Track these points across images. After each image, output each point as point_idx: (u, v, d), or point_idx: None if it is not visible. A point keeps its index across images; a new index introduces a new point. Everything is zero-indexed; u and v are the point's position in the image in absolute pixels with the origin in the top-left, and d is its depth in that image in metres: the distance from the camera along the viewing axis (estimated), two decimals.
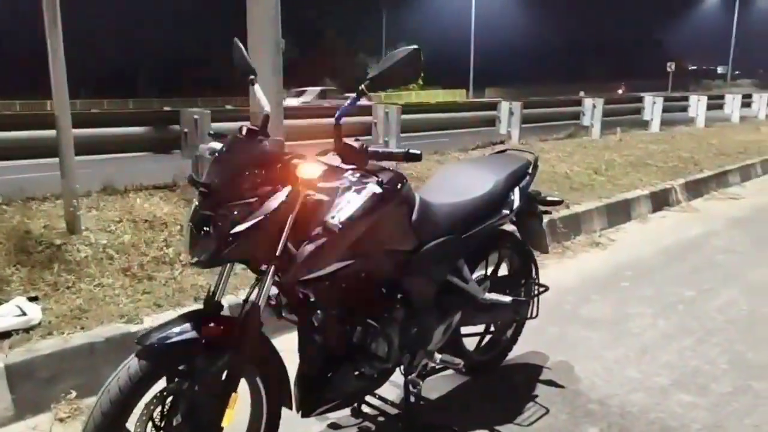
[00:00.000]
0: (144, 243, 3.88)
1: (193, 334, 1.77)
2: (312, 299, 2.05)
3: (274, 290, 2.03)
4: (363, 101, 2.00)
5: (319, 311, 2.07)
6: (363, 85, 1.86)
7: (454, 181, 2.61)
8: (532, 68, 62.01)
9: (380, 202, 1.98)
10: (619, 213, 6.12)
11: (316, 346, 2.08)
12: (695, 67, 79.33)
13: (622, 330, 3.54)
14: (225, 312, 1.94)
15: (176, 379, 1.81)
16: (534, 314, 2.92)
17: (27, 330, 2.79)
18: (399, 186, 2.08)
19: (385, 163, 2.09)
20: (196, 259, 1.78)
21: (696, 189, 7.47)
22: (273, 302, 2.08)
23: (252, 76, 2.06)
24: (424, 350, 2.39)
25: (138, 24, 45.19)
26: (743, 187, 8.34)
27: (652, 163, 8.20)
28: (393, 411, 2.52)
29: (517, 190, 2.64)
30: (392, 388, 2.62)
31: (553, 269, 4.49)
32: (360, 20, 53.79)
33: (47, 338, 2.76)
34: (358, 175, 1.98)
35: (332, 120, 1.91)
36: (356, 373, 2.17)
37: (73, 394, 2.64)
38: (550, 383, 2.91)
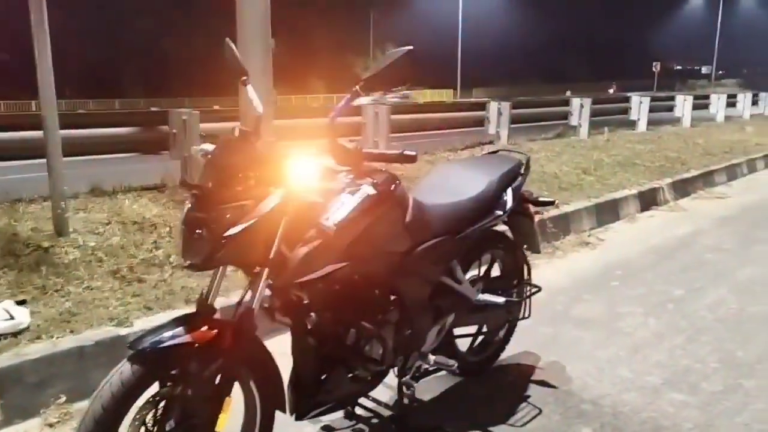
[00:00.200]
0: (133, 245, 3.85)
1: (186, 337, 1.75)
2: (305, 301, 2.03)
3: (267, 292, 2.01)
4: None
5: (312, 313, 2.06)
6: (357, 86, 1.85)
7: (447, 182, 2.60)
8: (519, 68, 62.31)
9: (374, 204, 1.97)
10: (607, 212, 6.15)
11: (310, 349, 2.07)
12: (680, 67, 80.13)
13: (613, 329, 3.56)
14: (217, 315, 1.92)
15: (169, 384, 1.79)
16: (526, 315, 2.92)
17: (15, 334, 2.75)
18: (393, 187, 2.07)
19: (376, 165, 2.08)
20: (189, 261, 1.76)
21: (683, 188, 7.53)
22: (266, 305, 2.06)
23: (244, 77, 2.04)
24: (418, 352, 2.38)
25: (124, 24, 44.83)
26: (730, 186, 8.42)
27: (640, 163, 8.25)
28: (386, 413, 2.52)
29: (509, 190, 2.64)
30: (385, 390, 2.61)
31: (544, 269, 4.50)
32: (347, 21, 53.74)
33: (36, 342, 2.72)
34: (351, 176, 1.97)
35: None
36: (350, 375, 2.16)
37: (63, 398, 2.60)
38: (542, 384, 2.92)
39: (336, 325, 2.10)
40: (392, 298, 2.26)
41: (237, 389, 1.91)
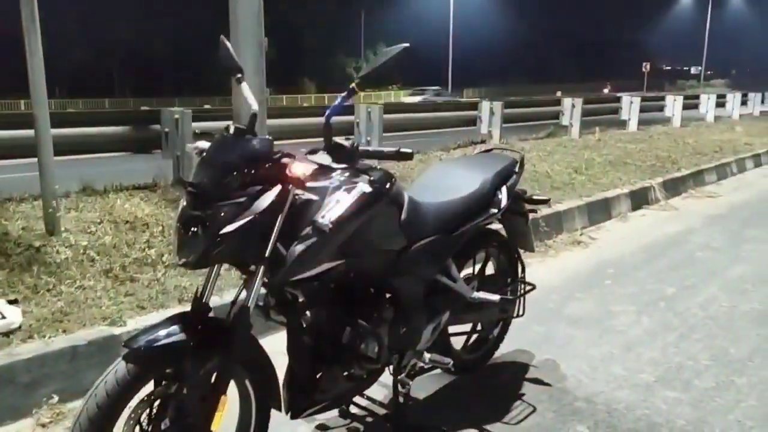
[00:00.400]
0: (125, 244, 3.83)
1: (181, 336, 1.74)
2: (301, 300, 2.03)
3: (262, 291, 2.00)
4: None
5: (308, 312, 2.06)
6: (354, 84, 1.85)
7: (442, 180, 2.60)
8: (509, 68, 62.45)
9: (370, 202, 1.97)
10: (599, 211, 6.18)
11: (305, 347, 2.06)
12: (669, 68, 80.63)
13: (606, 327, 3.57)
14: (212, 313, 1.91)
15: (164, 383, 1.79)
16: (521, 313, 2.93)
17: (7, 334, 2.73)
18: (388, 185, 2.06)
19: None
20: (184, 260, 1.75)
21: (674, 187, 7.57)
22: (261, 303, 2.05)
23: (239, 75, 2.03)
24: (413, 350, 2.38)
25: (113, 22, 44.53)
26: (720, 185, 8.48)
27: (631, 162, 8.30)
28: (381, 411, 2.52)
29: (504, 189, 2.64)
30: (380, 389, 2.61)
31: (537, 268, 4.51)
32: (338, 20, 53.67)
33: (28, 342, 2.70)
34: (347, 174, 1.97)
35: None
36: (345, 373, 2.16)
37: (56, 398, 2.59)
38: (536, 381, 2.93)
39: (331, 323, 2.10)
40: (387, 296, 2.26)
41: (232, 388, 1.90)
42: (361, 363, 2.16)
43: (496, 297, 2.71)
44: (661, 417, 2.63)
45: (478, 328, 3.00)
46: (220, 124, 1.70)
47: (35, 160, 4.01)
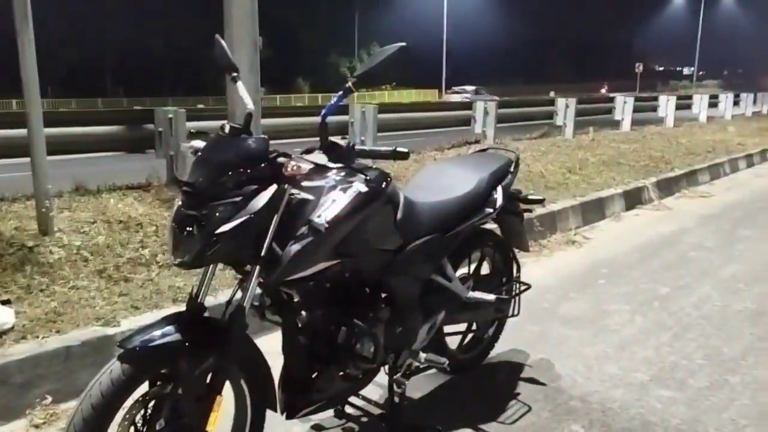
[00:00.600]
0: (119, 244, 3.81)
1: (176, 336, 1.73)
2: (296, 299, 2.02)
3: (258, 291, 2.00)
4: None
5: (303, 312, 2.05)
6: (350, 83, 1.84)
7: (437, 179, 2.60)
8: (503, 69, 62.47)
9: (366, 201, 1.96)
10: (593, 211, 6.19)
11: (301, 347, 2.06)
12: (662, 68, 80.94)
13: (600, 327, 3.58)
14: (207, 313, 1.91)
15: (159, 383, 1.78)
16: (515, 312, 2.93)
17: (0, 334, 2.71)
18: (384, 185, 2.06)
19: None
20: (179, 260, 1.75)
21: (667, 187, 7.60)
22: (256, 303, 2.04)
23: (235, 73, 2.02)
24: (409, 350, 2.38)
25: (106, 22, 44.36)
26: (713, 185, 8.52)
27: (625, 162, 8.32)
28: (377, 411, 2.51)
29: (499, 188, 2.64)
30: (376, 389, 2.61)
31: (531, 267, 4.52)
32: (332, 20, 53.62)
33: (21, 342, 2.68)
34: (343, 173, 1.96)
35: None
36: (341, 373, 2.15)
37: (49, 399, 2.57)
38: (531, 381, 2.93)
39: (327, 323, 2.09)
40: (383, 295, 2.26)
41: (228, 388, 1.90)
42: (357, 363, 2.15)
43: (491, 296, 2.72)
44: (656, 416, 2.63)
45: (474, 327, 3.01)
46: (215, 123, 1.69)
47: (28, 159, 3.99)
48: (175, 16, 44.55)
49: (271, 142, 1.87)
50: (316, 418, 2.46)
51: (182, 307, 1.89)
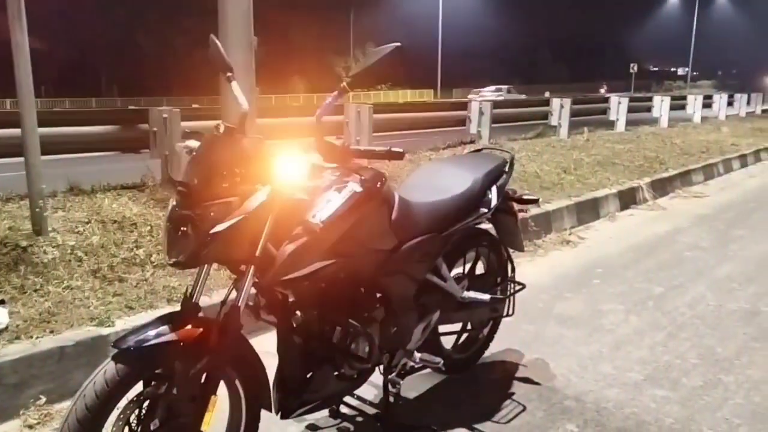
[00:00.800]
0: (113, 244, 3.80)
1: (170, 336, 1.73)
2: (291, 300, 2.02)
3: (252, 290, 2.00)
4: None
5: (298, 312, 2.05)
6: (344, 83, 1.84)
7: (432, 179, 2.60)
8: (498, 69, 62.54)
9: (361, 201, 1.96)
10: (588, 211, 6.21)
11: (296, 347, 2.05)
12: (656, 69, 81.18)
13: (595, 326, 3.59)
14: (202, 313, 1.90)
15: (153, 383, 1.78)
16: (510, 312, 2.94)
17: None
18: (379, 185, 2.06)
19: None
20: (174, 260, 1.74)
21: (662, 187, 7.63)
22: (251, 303, 2.04)
23: (229, 73, 2.02)
24: (404, 349, 2.38)
25: (100, 21, 44.23)
26: (707, 185, 8.55)
27: (619, 163, 8.35)
28: (372, 411, 2.52)
29: (494, 188, 2.65)
30: (370, 388, 2.61)
31: (526, 267, 4.53)
32: (327, 20, 53.57)
33: (15, 342, 2.67)
34: (338, 173, 1.97)
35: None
36: (336, 373, 2.16)
37: (43, 399, 2.57)
38: (526, 380, 2.94)
39: (322, 323, 2.09)
40: (378, 295, 2.26)
41: (222, 388, 1.89)
42: (352, 363, 2.15)
43: (486, 296, 2.72)
44: (650, 415, 2.64)
45: (468, 327, 3.00)
46: (209, 123, 1.69)
47: (22, 159, 3.97)
48: (169, 15, 44.43)
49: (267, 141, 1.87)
50: (311, 417, 2.46)
51: (177, 307, 1.89)
